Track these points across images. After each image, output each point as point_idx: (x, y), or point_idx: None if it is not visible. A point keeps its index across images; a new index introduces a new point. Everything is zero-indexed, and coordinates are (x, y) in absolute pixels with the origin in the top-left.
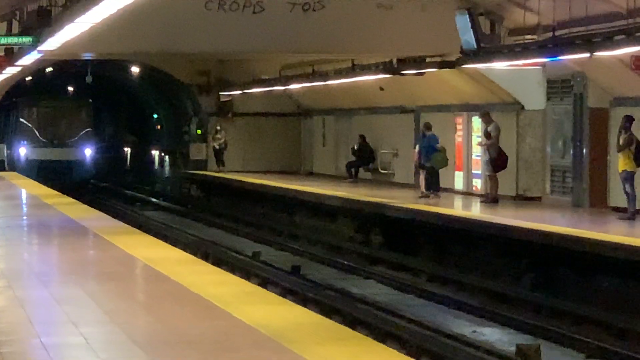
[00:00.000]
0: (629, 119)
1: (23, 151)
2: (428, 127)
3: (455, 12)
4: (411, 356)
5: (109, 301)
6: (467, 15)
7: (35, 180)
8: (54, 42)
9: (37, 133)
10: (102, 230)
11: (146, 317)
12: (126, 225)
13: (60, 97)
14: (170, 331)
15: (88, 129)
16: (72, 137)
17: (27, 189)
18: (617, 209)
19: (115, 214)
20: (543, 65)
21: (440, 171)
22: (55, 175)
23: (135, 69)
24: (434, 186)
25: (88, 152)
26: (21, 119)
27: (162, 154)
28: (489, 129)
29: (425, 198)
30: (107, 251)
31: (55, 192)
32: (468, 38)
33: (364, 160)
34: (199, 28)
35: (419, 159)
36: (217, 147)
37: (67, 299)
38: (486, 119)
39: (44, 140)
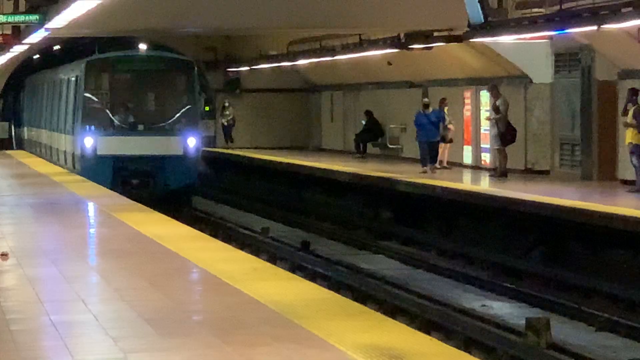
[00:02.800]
0: (635, 92)
1: (89, 142)
2: (426, 105)
3: None
4: (421, 330)
5: (118, 278)
6: None
7: (110, 189)
8: (61, 20)
9: (110, 114)
10: (111, 208)
11: (155, 294)
12: (135, 203)
13: (147, 54)
14: (179, 308)
15: (191, 106)
16: (168, 119)
17: (36, 167)
18: (625, 182)
19: None
20: (550, 38)
21: (450, 145)
22: (141, 180)
23: (142, 46)
24: (432, 160)
25: (192, 142)
26: (85, 93)
27: None
28: (498, 102)
29: (424, 173)
30: (115, 228)
31: (62, 170)
32: (475, 12)
33: (372, 136)
34: (206, 4)
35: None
36: (226, 123)
37: (76, 277)
38: (494, 93)
39: (122, 124)
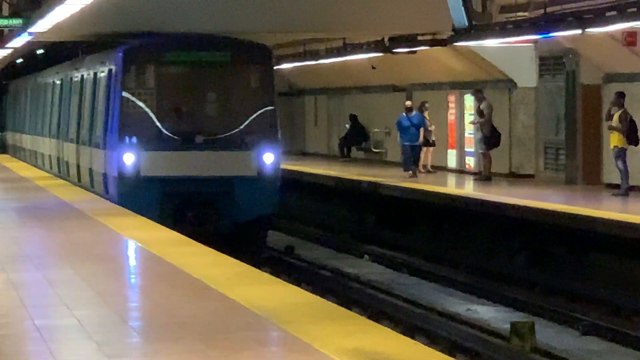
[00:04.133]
0: (621, 95)
1: (129, 160)
2: (409, 108)
3: None
4: (405, 335)
5: (102, 283)
6: None
7: (159, 222)
8: (45, 24)
9: (157, 120)
10: (95, 212)
11: (139, 298)
12: (119, 207)
13: (210, 37)
14: (163, 313)
15: (267, 108)
16: (238, 127)
17: (19, 171)
18: (610, 186)
19: None
20: (535, 42)
21: (434, 149)
22: (200, 212)
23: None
24: (414, 163)
25: (270, 159)
26: (123, 92)
27: None
28: (482, 106)
29: (410, 177)
30: (100, 233)
31: (45, 174)
32: (460, 16)
33: (356, 139)
34: (190, 7)
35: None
36: None
37: (60, 282)
38: (478, 96)
39: (175, 135)
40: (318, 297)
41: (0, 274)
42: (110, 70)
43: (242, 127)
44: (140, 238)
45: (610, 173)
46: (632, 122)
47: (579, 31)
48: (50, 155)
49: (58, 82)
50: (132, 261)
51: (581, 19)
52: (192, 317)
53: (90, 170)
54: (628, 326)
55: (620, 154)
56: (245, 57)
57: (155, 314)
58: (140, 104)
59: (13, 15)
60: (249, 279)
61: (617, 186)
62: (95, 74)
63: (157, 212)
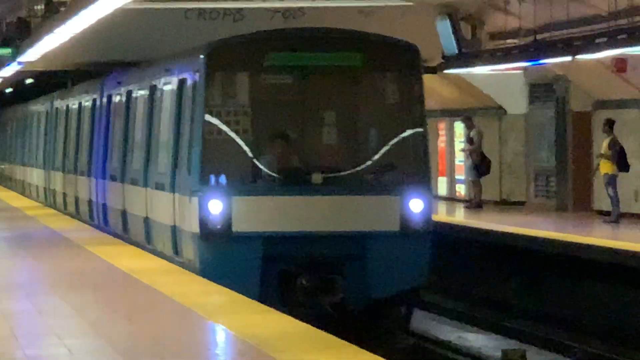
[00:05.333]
0: (609, 122)
1: (216, 209)
2: None
3: (436, 18)
4: None
5: (92, 312)
6: (448, 20)
7: (260, 295)
8: (34, 53)
9: (255, 153)
10: (85, 241)
11: (130, 328)
12: (108, 236)
13: (327, 38)
14: (154, 342)
15: (415, 130)
16: (367, 161)
17: (8, 200)
18: (601, 212)
19: None
20: (525, 69)
21: None
22: (320, 283)
23: None
24: None
25: (418, 206)
26: (206, 115)
27: None
28: (471, 134)
29: None
30: (89, 262)
31: (35, 203)
32: (449, 43)
33: None
34: (179, 37)
35: None
36: None
37: (50, 311)
38: (468, 123)
39: (279, 174)
40: (309, 326)
41: None
42: (182, 82)
43: (377, 158)
44: (130, 267)
45: (601, 200)
46: (622, 149)
47: (569, 58)
48: (65, 194)
49: (77, 105)
50: (122, 290)
51: (571, 46)
52: (182, 346)
53: (147, 220)
54: (622, 354)
55: (611, 180)
56: (384, 59)
57: (145, 343)
58: (231, 129)
59: (2, 44)
60: (241, 308)
61: (608, 213)
62: (153, 88)
63: (257, 283)
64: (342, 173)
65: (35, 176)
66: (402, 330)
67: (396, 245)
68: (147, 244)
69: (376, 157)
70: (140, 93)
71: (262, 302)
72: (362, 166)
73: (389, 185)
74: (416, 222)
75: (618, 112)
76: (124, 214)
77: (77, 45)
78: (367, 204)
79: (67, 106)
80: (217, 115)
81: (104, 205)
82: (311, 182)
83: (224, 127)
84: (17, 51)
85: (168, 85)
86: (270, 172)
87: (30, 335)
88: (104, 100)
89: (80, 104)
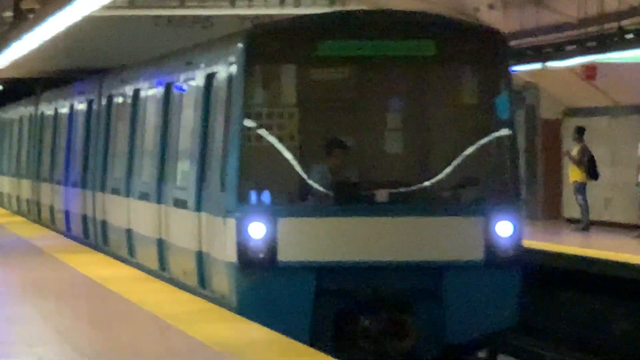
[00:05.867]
0: (580, 130)
1: (258, 232)
2: None
3: None
4: None
5: (62, 321)
6: None
7: (311, 339)
8: (2, 60)
9: (304, 165)
10: (54, 249)
11: (100, 336)
12: (79, 244)
13: (391, 22)
14: (123, 351)
15: (500, 133)
16: (442, 174)
17: None
18: (571, 220)
19: None
20: None
21: None
22: (384, 324)
23: None
24: None
25: (506, 229)
26: (245, 120)
27: None
28: None
29: None
30: (59, 270)
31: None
32: None
33: None
34: (149, 43)
35: None
36: None
37: (19, 319)
38: None
39: (335, 191)
40: (279, 334)
41: None
42: (210, 78)
43: (455, 170)
44: (100, 275)
45: (571, 208)
46: (591, 157)
47: (538, 65)
48: (55, 210)
49: (68, 108)
50: (92, 298)
51: (541, 53)
52: (152, 355)
53: (161, 242)
54: None
55: (580, 188)
56: (463, 48)
57: (115, 351)
58: (275, 135)
59: None
60: (210, 316)
61: (577, 221)
62: (168, 86)
63: (308, 323)
64: (411, 188)
65: (8, 186)
66: None
67: (480, 278)
68: (161, 270)
69: (454, 168)
70: (152, 92)
71: (313, 346)
72: (437, 180)
73: (470, 203)
74: (504, 250)
75: (588, 120)
76: (128, 232)
77: (46, 53)
78: (444, 227)
79: (56, 109)
80: (258, 118)
81: (103, 223)
82: (374, 200)
83: (267, 133)
84: None
85: (191, 81)
86: (323, 188)
87: None
88: (103, 101)
89: (72, 106)
